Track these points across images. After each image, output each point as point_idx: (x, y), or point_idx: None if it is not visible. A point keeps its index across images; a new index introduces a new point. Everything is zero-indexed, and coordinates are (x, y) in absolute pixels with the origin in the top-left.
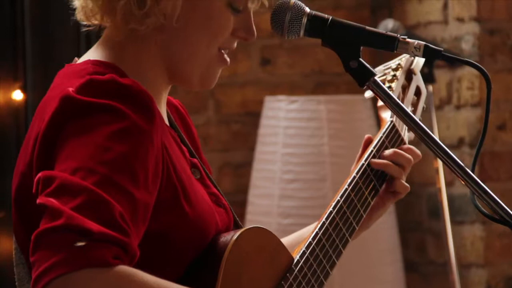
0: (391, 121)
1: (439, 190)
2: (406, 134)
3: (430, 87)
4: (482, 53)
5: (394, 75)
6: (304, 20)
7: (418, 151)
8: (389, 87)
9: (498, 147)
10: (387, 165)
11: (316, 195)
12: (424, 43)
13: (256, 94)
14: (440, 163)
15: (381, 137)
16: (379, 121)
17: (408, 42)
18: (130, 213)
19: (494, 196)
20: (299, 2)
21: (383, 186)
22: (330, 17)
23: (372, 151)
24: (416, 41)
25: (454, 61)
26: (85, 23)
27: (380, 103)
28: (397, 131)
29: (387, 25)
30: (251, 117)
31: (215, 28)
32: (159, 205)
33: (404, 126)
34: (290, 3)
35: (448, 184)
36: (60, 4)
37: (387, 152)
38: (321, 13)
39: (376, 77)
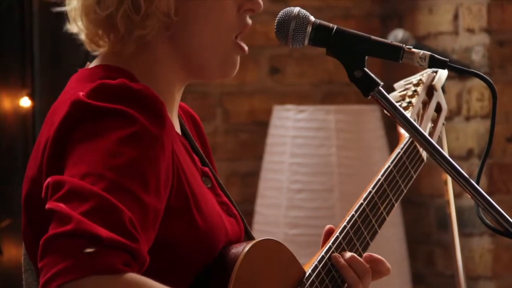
0: (410, 138)
1: (448, 202)
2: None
3: None
4: (492, 64)
5: (415, 91)
6: (309, 29)
7: (388, 265)
8: (410, 102)
9: (507, 159)
10: (344, 267)
11: (324, 206)
12: (429, 53)
13: (264, 103)
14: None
15: (399, 152)
16: (387, 131)
17: (413, 52)
18: (140, 219)
19: (499, 208)
20: (304, 11)
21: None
22: (335, 26)
23: (389, 166)
24: (421, 52)
25: (460, 72)
26: (95, 51)
27: None
28: (415, 147)
29: (397, 35)
30: (259, 126)
31: (218, 10)
32: (169, 213)
33: None
34: (294, 11)
35: (457, 196)
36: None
37: (347, 255)
38: (326, 22)
39: (381, 87)
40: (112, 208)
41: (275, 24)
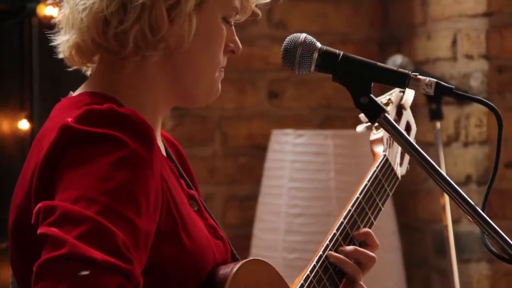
0: (384, 155)
1: (446, 227)
2: (399, 169)
3: (438, 124)
4: (490, 91)
5: None
6: (315, 55)
7: (371, 254)
8: None
9: (505, 185)
10: (344, 261)
11: (322, 230)
12: (435, 80)
13: (263, 127)
14: (447, 200)
15: (375, 171)
16: None
17: (419, 79)
18: (132, 241)
19: (504, 235)
20: (310, 37)
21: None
22: (341, 53)
23: (366, 184)
24: (427, 78)
25: (465, 99)
26: (73, 65)
27: (372, 137)
28: (390, 165)
29: (396, 61)
30: (258, 150)
31: (216, 45)
32: (159, 236)
33: (397, 160)
34: (301, 38)
35: (455, 221)
36: None
37: (348, 248)
38: (332, 49)
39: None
40: (105, 231)
41: (282, 50)
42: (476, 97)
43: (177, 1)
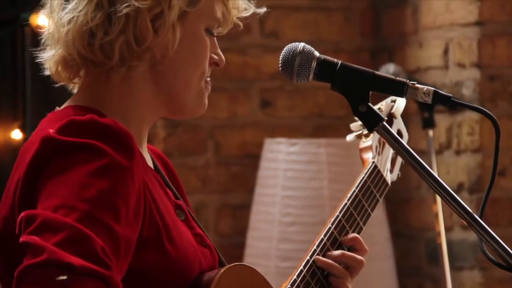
0: (373, 162)
1: (438, 235)
2: (389, 175)
3: (431, 132)
4: (482, 99)
5: None
6: (314, 64)
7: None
8: None
9: (497, 193)
10: (331, 265)
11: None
12: (433, 89)
13: (255, 136)
14: (439, 208)
15: (363, 177)
16: None
17: (417, 88)
18: (112, 248)
19: (502, 242)
20: (308, 46)
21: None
22: (339, 62)
23: (354, 191)
24: (425, 87)
25: (463, 107)
26: (59, 81)
27: (362, 145)
28: (379, 171)
29: (388, 70)
30: (251, 159)
31: (201, 55)
32: (142, 243)
33: (387, 167)
34: (299, 47)
35: (447, 229)
36: None
37: (336, 253)
38: (331, 58)
39: (384, 122)
40: (84, 238)
41: (280, 59)
42: (474, 105)
43: (161, 11)
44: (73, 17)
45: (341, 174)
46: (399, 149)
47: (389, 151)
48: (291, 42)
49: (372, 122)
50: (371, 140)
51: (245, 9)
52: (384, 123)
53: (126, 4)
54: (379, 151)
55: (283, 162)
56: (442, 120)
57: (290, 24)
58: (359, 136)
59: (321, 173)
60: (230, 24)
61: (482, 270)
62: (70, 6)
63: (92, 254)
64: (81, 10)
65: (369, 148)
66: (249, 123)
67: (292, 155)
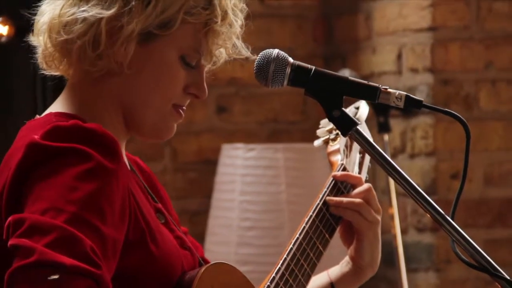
0: (342, 164)
1: (394, 237)
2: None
3: (386, 136)
4: (436, 103)
5: None
6: (288, 70)
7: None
8: (337, 134)
9: (452, 196)
10: (343, 211)
11: (274, 243)
12: (405, 93)
13: (212, 142)
14: (395, 210)
15: (333, 179)
16: None
17: (389, 93)
18: (100, 248)
19: (474, 243)
20: (283, 53)
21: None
22: (313, 68)
23: (325, 191)
24: (397, 92)
25: (434, 111)
26: (46, 71)
27: (330, 149)
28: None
29: (344, 75)
30: (207, 165)
31: (166, 80)
32: (128, 246)
33: (356, 169)
34: (274, 53)
35: (402, 231)
36: (20, 58)
37: (334, 201)
38: (304, 64)
39: (358, 127)
40: (73, 238)
41: (255, 66)
42: (445, 109)
43: (120, 26)
44: (49, 9)
45: (298, 179)
46: (372, 152)
47: (356, 155)
48: (245, 49)
49: (346, 126)
50: (339, 143)
51: (232, 47)
52: (358, 127)
53: (93, 10)
54: (347, 154)
55: (241, 168)
56: (396, 124)
57: (244, 31)
58: (325, 141)
59: (278, 178)
60: (209, 58)
61: (437, 272)
62: None
63: (82, 254)
64: (57, 5)
65: (337, 151)
66: (206, 129)
67: (249, 160)
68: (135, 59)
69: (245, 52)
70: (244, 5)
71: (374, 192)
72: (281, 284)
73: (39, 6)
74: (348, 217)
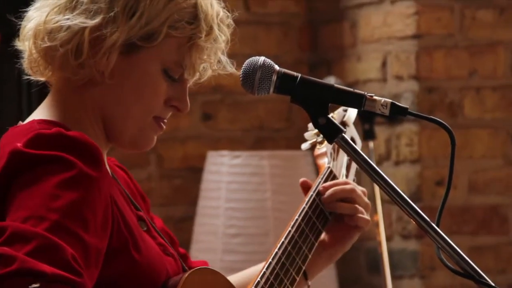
0: (328, 167)
1: (379, 244)
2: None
3: (371, 143)
4: (421, 111)
5: None
6: (274, 77)
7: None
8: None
9: (436, 203)
10: (336, 205)
11: (260, 250)
12: (390, 101)
13: (197, 149)
14: (380, 217)
15: (320, 181)
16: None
17: (375, 100)
18: (82, 256)
19: (459, 250)
20: (269, 60)
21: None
22: (299, 75)
23: (312, 195)
24: (383, 99)
25: (419, 118)
26: (31, 77)
27: (317, 152)
28: (335, 176)
29: (330, 82)
30: (193, 172)
31: (147, 92)
32: (111, 253)
33: (343, 172)
34: (260, 61)
35: (387, 238)
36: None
37: (327, 193)
38: (290, 71)
39: (344, 134)
40: (54, 246)
41: (241, 73)
42: (431, 117)
43: (104, 36)
44: (36, 16)
45: (283, 186)
46: (357, 159)
47: (344, 157)
48: (231, 56)
49: (332, 134)
50: (326, 146)
51: (217, 62)
52: (344, 134)
53: (77, 19)
54: (334, 157)
55: (226, 175)
56: (381, 131)
57: (230, 38)
58: (313, 144)
59: (264, 185)
60: (192, 72)
61: (422, 279)
62: (37, 4)
63: (63, 262)
64: (43, 11)
65: (324, 154)
66: (191, 136)
67: (235, 167)
68: (117, 70)
69: (230, 68)
70: (231, 20)
71: (360, 192)
72: (271, 279)
73: (26, 11)
74: (341, 210)
